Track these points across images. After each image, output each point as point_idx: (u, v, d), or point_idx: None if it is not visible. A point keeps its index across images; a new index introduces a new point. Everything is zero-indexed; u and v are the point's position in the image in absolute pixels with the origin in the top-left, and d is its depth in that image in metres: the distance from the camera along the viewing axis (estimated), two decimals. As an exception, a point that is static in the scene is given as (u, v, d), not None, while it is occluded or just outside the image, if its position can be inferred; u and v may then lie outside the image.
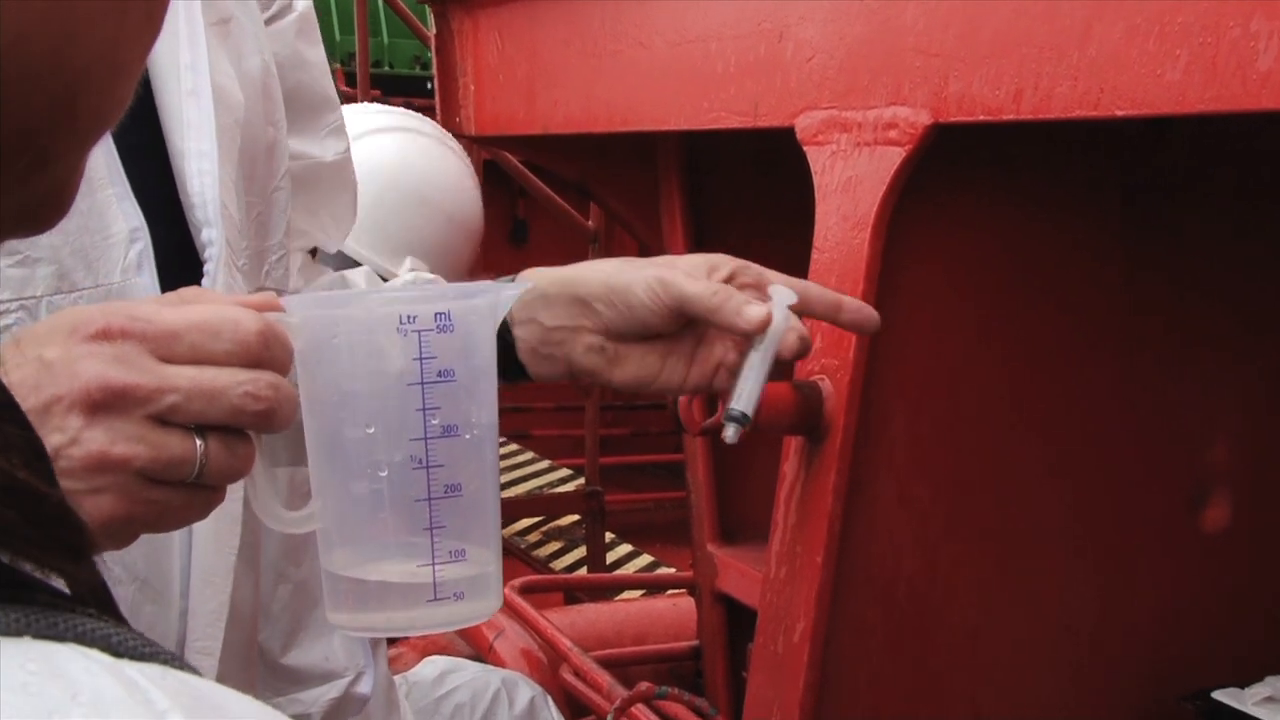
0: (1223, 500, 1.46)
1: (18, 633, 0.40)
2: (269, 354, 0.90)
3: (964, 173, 1.32)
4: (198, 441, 0.88)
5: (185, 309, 0.91)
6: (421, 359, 0.93)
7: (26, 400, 0.86)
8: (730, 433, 1.14)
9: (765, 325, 1.12)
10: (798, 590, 1.31)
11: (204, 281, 1.20)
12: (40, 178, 0.48)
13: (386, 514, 0.94)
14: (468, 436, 0.95)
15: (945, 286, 1.34)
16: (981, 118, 1.18)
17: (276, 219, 1.32)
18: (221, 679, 1.22)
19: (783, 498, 1.35)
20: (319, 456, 0.95)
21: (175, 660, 0.44)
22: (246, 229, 1.26)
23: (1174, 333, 1.44)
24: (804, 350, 1.15)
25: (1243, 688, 1.33)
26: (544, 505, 4.92)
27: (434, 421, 0.93)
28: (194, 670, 0.44)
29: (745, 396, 1.14)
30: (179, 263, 1.20)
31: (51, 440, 0.85)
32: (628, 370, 1.17)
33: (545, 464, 5.80)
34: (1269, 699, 1.31)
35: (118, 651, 0.42)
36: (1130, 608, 1.44)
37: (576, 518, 4.85)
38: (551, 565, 4.71)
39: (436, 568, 0.94)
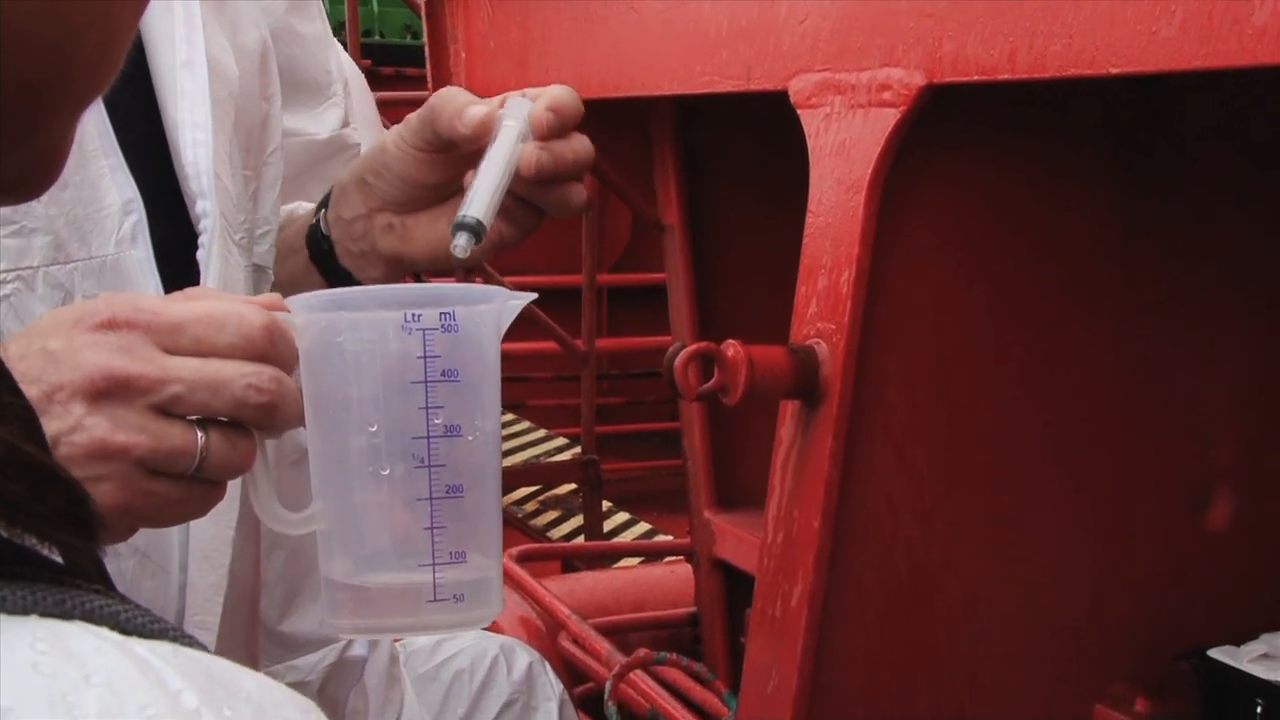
0: (1224, 496, 1.46)
1: (24, 611, 0.39)
2: (273, 349, 0.91)
3: (959, 134, 1.31)
4: (199, 434, 0.88)
5: (190, 303, 0.91)
6: (426, 357, 0.92)
7: (29, 390, 0.85)
8: (461, 242, 1.04)
9: (486, 127, 1.07)
10: (795, 555, 1.31)
11: (199, 254, 1.19)
12: (34, 140, 0.48)
13: (388, 513, 0.94)
14: (470, 438, 0.94)
15: (941, 250, 1.34)
16: (976, 78, 1.17)
17: (266, 193, 1.31)
18: (221, 653, 1.21)
19: (779, 463, 1.35)
20: (321, 456, 0.95)
21: (184, 637, 0.43)
22: (243, 202, 1.25)
23: (1172, 298, 1.43)
24: (545, 169, 1.08)
25: (1239, 646, 1.33)
26: (540, 474, 4.90)
27: (437, 421, 0.93)
28: (202, 646, 0.43)
29: (475, 203, 1.05)
30: (174, 236, 1.19)
31: (52, 427, 0.85)
32: (420, 243, 1.15)
33: (541, 433, 5.78)
34: (1265, 656, 1.30)
35: (126, 629, 0.41)
36: (1128, 570, 1.44)
37: (573, 486, 4.84)
38: (549, 534, 4.70)
39: (437, 569, 0.93)
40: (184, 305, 0.91)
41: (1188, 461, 1.45)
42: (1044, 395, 1.39)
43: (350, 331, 0.93)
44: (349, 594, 0.96)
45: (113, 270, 1.12)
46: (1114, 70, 1.04)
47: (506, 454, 5.37)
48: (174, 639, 0.42)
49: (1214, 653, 1.33)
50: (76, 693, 0.36)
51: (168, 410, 0.88)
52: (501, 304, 0.97)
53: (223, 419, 0.90)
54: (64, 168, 0.50)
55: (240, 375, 0.89)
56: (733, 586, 2.15)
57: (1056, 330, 1.39)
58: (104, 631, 0.40)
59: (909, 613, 1.35)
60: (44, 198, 0.73)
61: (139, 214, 1.15)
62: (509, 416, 5.93)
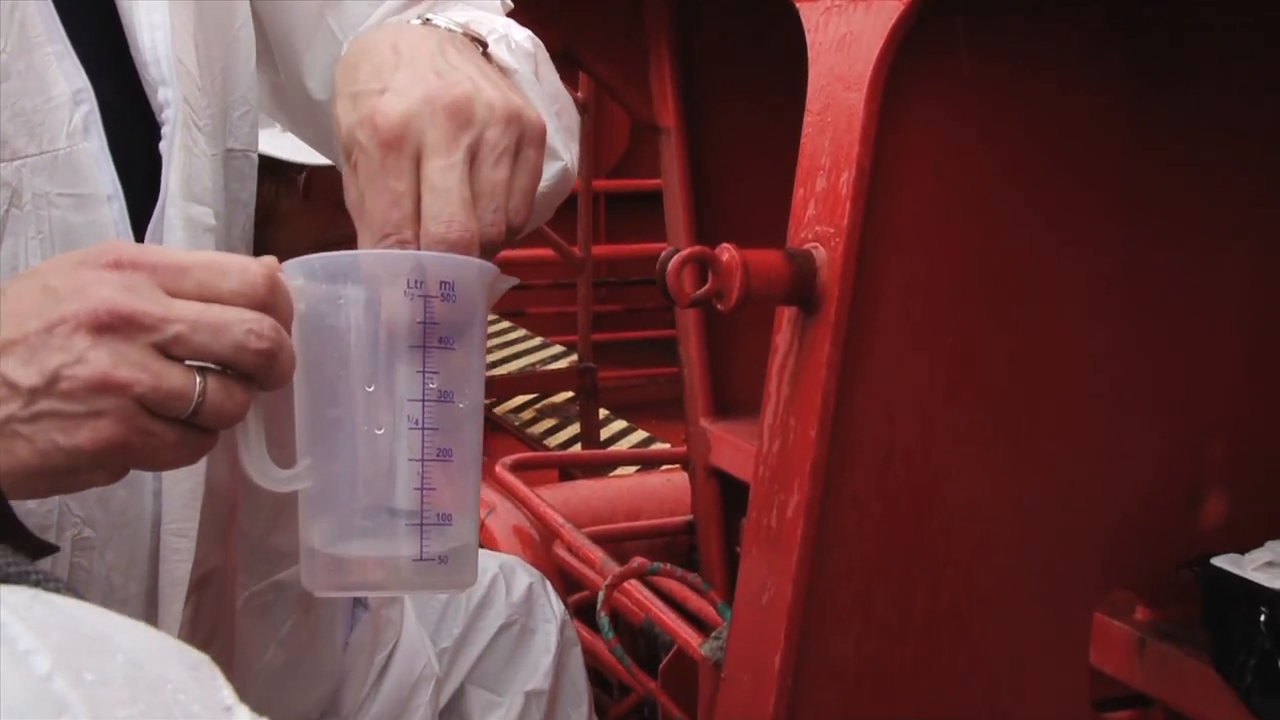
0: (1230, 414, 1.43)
1: None
2: (274, 300, 0.91)
3: (965, 30, 1.27)
4: (197, 379, 0.89)
5: (193, 251, 0.94)
6: (426, 323, 0.95)
7: (28, 323, 0.87)
8: None
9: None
10: (791, 465, 1.28)
11: (161, 145, 1.14)
12: None
13: (380, 471, 0.96)
14: (461, 405, 0.97)
15: (945, 150, 1.30)
16: (981, -30, 1.13)
17: (239, 71, 1.26)
18: (200, 561, 1.19)
19: (775, 370, 1.32)
20: (311, 414, 0.97)
21: (49, 581, 0.39)
22: (208, 85, 1.20)
23: (1184, 196, 1.39)
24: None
25: (1243, 553, 1.31)
26: (537, 382, 4.90)
27: (432, 385, 0.96)
28: (73, 591, 0.39)
29: None
30: (131, 126, 1.14)
31: (54, 360, 0.86)
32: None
33: (538, 341, 5.77)
34: (1269, 564, 1.29)
35: None
36: (1129, 478, 1.42)
37: (571, 394, 4.83)
38: (545, 442, 4.70)
39: (424, 529, 0.95)
40: (187, 252, 0.92)
41: (1195, 366, 1.42)
42: (1049, 298, 1.36)
43: (351, 292, 0.95)
44: (329, 560, 0.97)
45: (65, 165, 1.09)
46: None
47: (504, 361, 5.37)
48: (36, 583, 0.38)
49: (1217, 560, 1.31)
50: None
51: (169, 351, 0.88)
52: (495, 280, 1.00)
53: (221, 369, 0.90)
54: None
55: (241, 321, 0.89)
56: (729, 495, 2.14)
57: (1065, 231, 1.36)
58: None
59: (907, 523, 1.33)
60: None
61: (90, 104, 1.11)
62: (505, 324, 5.92)
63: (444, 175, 0.97)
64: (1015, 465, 1.36)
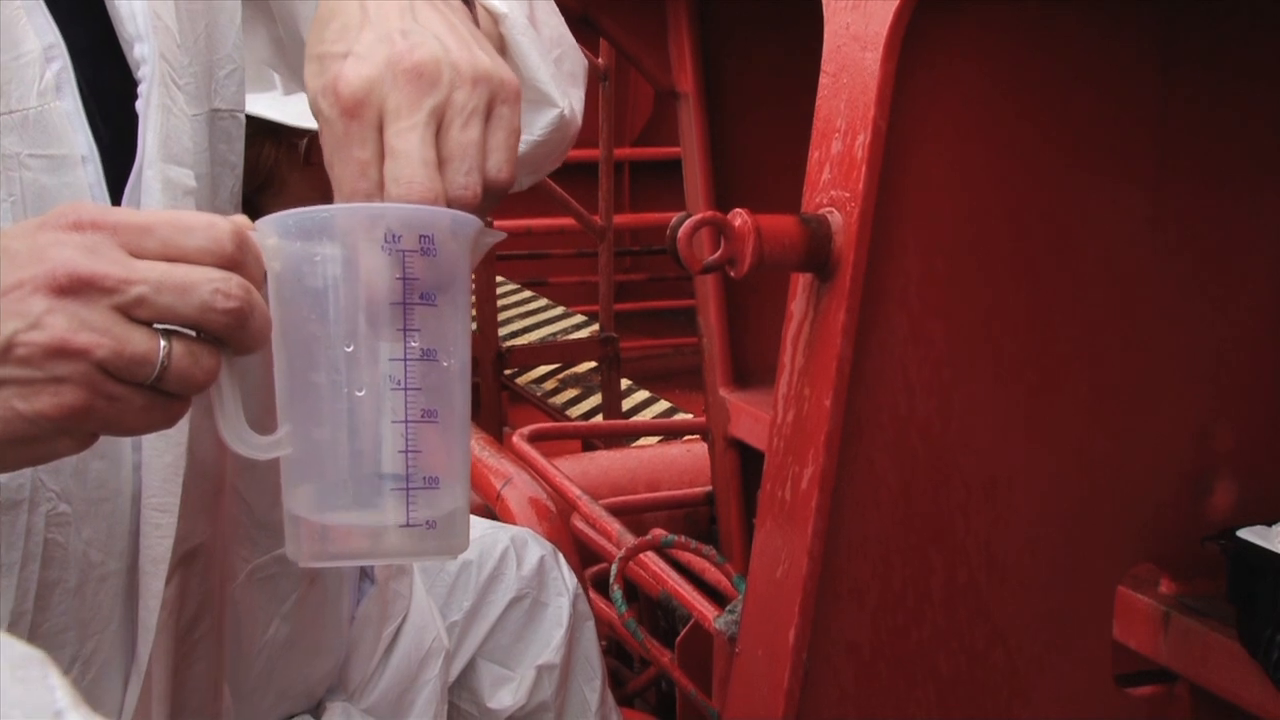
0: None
1: None
2: (242, 258, 0.88)
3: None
4: (162, 343, 0.86)
5: (158, 210, 0.90)
6: (405, 279, 0.92)
7: None
8: None
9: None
10: (805, 435, 1.26)
11: (138, 105, 1.11)
12: None
13: (362, 435, 0.93)
14: (445, 364, 0.94)
15: (964, 111, 1.26)
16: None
17: (224, 28, 1.22)
18: (185, 537, 1.16)
19: (790, 338, 1.29)
20: (290, 378, 0.94)
21: None
22: (189, 42, 1.17)
23: (1214, 147, 1.35)
24: None
25: (1270, 525, 1.28)
26: (558, 352, 4.87)
27: (414, 344, 0.93)
28: None
29: None
30: (107, 84, 1.11)
31: (9, 325, 0.83)
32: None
33: (559, 310, 5.76)
34: (1298, 538, 1.26)
35: None
36: (1152, 450, 1.38)
37: (593, 365, 4.81)
38: (568, 413, 4.68)
39: (410, 493, 0.93)
40: (151, 211, 0.88)
41: (1228, 332, 1.39)
42: (1071, 267, 1.33)
43: (327, 249, 0.92)
44: (314, 528, 0.95)
45: (36, 124, 1.05)
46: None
47: (525, 331, 5.35)
48: None
49: (1243, 533, 1.28)
50: None
51: (132, 314, 0.85)
52: (479, 233, 0.96)
53: (189, 333, 0.87)
54: None
55: (208, 280, 0.86)
56: (748, 466, 2.12)
57: (1086, 197, 1.32)
58: None
59: (924, 495, 1.30)
60: None
61: (63, 60, 1.07)
62: (527, 294, 5.90)
63: (403, 138, 0.94)
64: (1037, 438, 1.33)
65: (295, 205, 1.25)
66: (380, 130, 0.95)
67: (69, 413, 0.84)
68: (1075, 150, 1.31)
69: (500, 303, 4.65)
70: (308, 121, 1.22)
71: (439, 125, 0.96)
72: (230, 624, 1.34)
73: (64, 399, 0.84)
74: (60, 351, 0.83)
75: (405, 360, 0.92)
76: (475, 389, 4.18)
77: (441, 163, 0.95)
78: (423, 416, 0.93)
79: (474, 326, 4.24)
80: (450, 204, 0.95)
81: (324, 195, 1.25)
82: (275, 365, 0.94)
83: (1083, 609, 1.39)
